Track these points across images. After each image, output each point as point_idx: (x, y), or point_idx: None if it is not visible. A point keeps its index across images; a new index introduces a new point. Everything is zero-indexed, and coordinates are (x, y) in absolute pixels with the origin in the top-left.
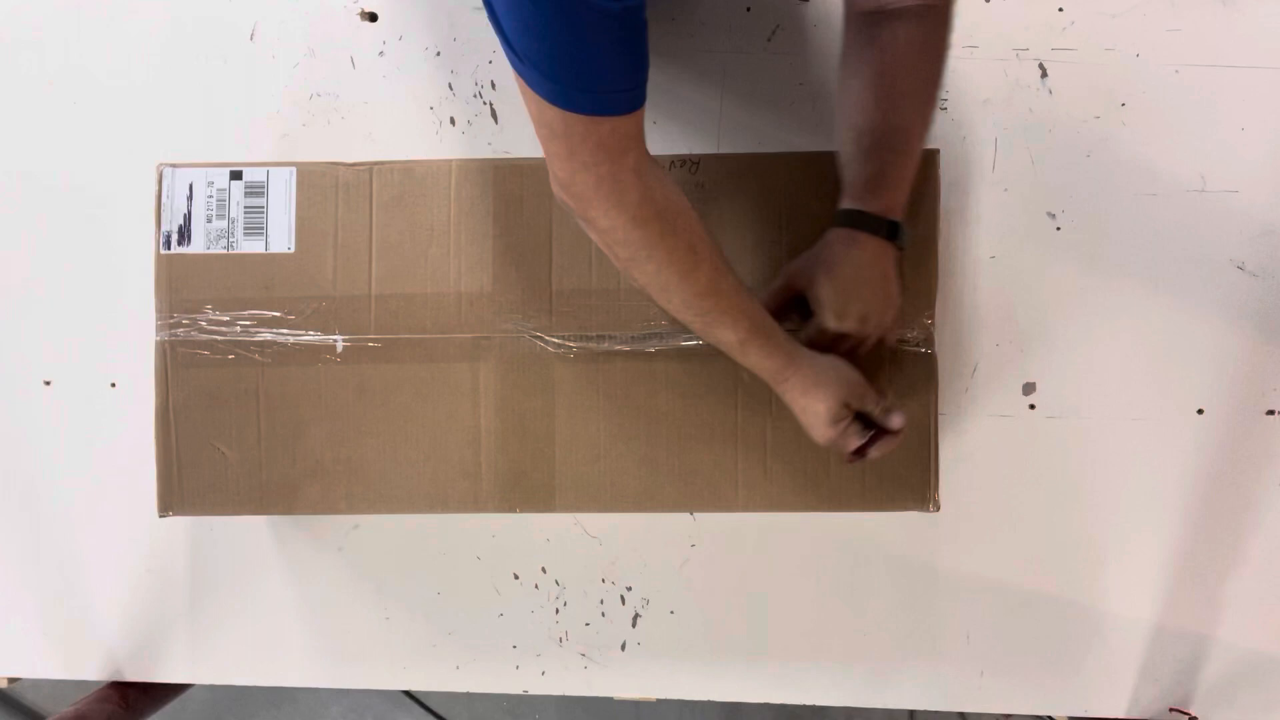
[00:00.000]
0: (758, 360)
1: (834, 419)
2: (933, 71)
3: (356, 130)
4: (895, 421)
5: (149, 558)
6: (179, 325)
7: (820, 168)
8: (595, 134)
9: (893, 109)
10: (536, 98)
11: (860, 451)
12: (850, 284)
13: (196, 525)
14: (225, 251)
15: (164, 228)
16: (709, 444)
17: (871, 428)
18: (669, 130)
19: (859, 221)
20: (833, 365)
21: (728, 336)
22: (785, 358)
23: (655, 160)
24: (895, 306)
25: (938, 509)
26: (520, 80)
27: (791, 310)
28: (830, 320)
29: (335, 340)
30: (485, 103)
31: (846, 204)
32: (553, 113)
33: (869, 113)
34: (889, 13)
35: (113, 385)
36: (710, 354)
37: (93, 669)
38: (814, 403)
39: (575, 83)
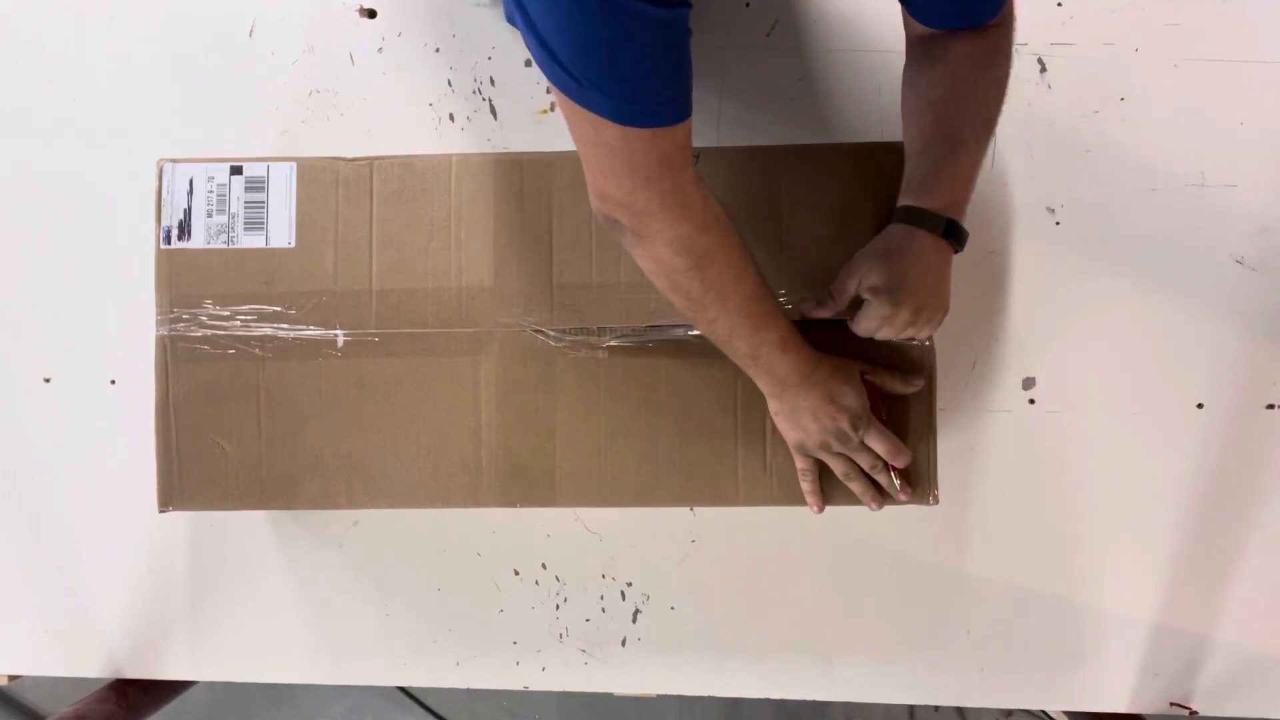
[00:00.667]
0: (795, 360)
1: (852, 426)
2: (991, 80)
3: (356, 126)
4: (900, 460)
5: (149, 555)
6: (179, 320)
7: (819, 161)
8: (657, 147)
9: (949, 113)
10: (594, 118)
11: (891, 470)
12: (905, 274)
13: (197, 522)
14: (226, 246)
15: (164, 223)
16: (709, 439)
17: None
18: None
19: (915, 217)
20: (849, 374)
21: (771, 336)
22: (812, 353)
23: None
24: (945, 306)
25: (937, 503)
26: (571, 104)
27: (855, 306)
28: (886, 307)
29: (336, 335)
30: (484, 99)
31: (904, 200)
32: (613, 131)
33: (925, 117)
34: (951, 32)
35: (113, 382)
36: (711, 349)
37: (93, 667)
38: (841, 388)
39: (634, 97)
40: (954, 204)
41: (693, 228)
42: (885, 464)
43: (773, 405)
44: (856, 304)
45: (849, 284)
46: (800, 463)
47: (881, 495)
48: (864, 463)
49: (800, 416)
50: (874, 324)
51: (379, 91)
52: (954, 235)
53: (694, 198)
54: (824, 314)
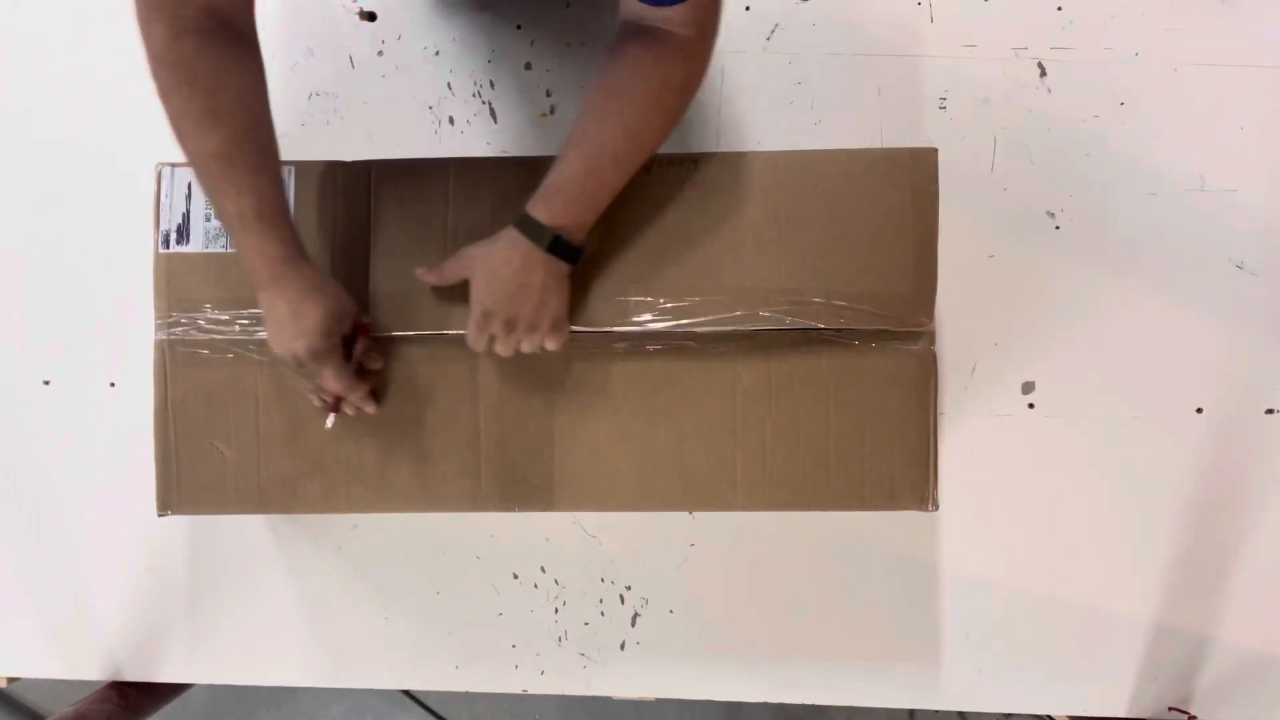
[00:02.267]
0: (257, 243)
1: (325, 332)
2: (651, 95)
3: (355, 130)
4: (374, 362)
5: (149, 558)
6: (178, 324)
7: (819, 168)
8: None
9: (596, 123)
10: None
11: (335, 405)
12: (495, 283)
13: (196, 525)
14: (224, 250)
15: (163, 227)
16: (708, 443)
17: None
18: None
19: (523, 225)
20: (334, 283)
21: (229, 208)
22: (286, 251)
23: (241, 40)
24: (550, 316)
25: (937, 508)
26: None
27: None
28: (475, 311)
29: None
30: (484, 102)
31: (529, 205)
32: None
33: (579, 120)
34: (639, 27)
35: (112, 385)
36: (710, 353)
37: (92, 669)
38: (309, 308)
39: None
40: (575, 224)
41: (151, 58)
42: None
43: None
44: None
45: (456, 271)
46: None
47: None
48: (306, 389)
49: (267, 323)
50: (472, 332)
51: (379, 95)
52: (562, 252)
53: (157, 37)
54: (431, 280)
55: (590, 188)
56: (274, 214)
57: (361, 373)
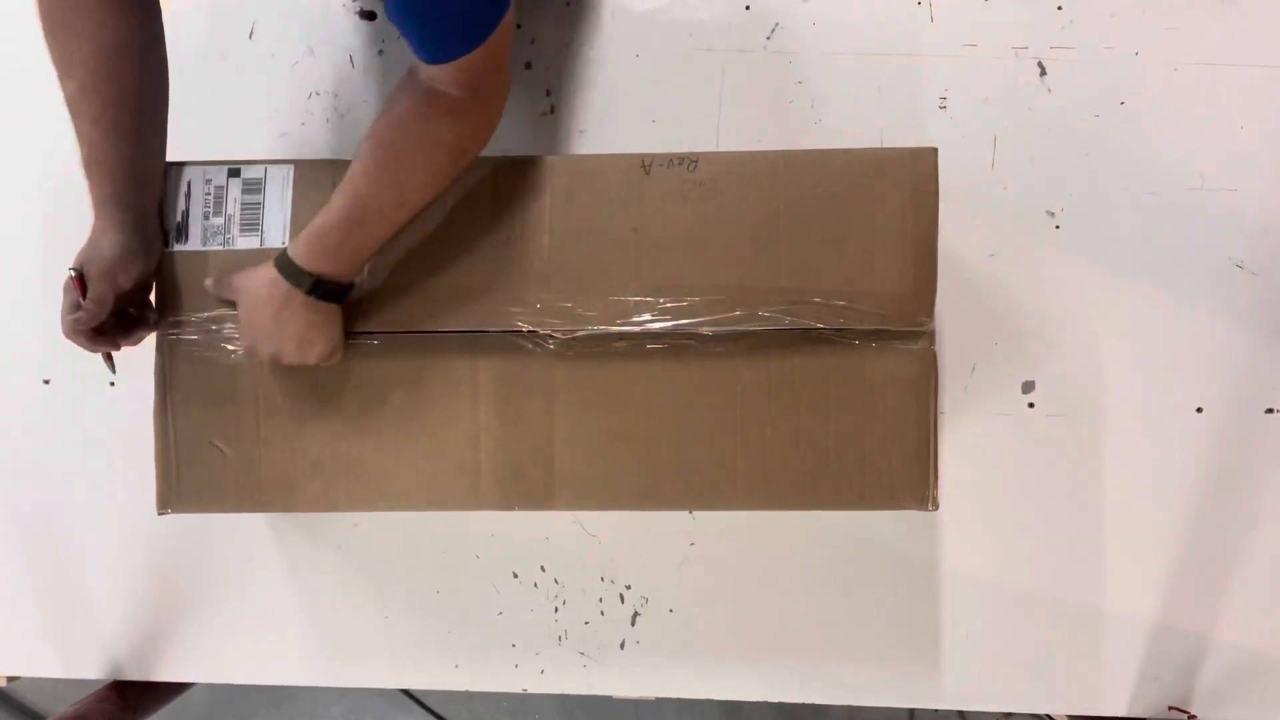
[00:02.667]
0: (90, 191)
1: (98, 275)
2: (417, 149)
3: (355, 129)
4: (149, 317)
5: (149, 557)
6: (178, 322)
7: (819, 167)
8: None
9: (359, 172)
10: None
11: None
12: (257, 320)
13: (196, 524)
14: (223, 249)
15: (164, 226)
16: (708, 442)
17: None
18: (668, 127)
19: (283, 266)
20: (136, 239)
21: (80, 151)
22: (98, 205)
23: (123, 7)
24: (317, 352)
25: (937, 508)
26: None
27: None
28: (243, 341)
29: None
30: None
31: (293, 243)
32: None
33: (353, 164)
34: (414, 78)
35: (112, 384)
36: (710, 353)
37: (93, 668)
38: (98, 243)
39: None
40: (338, 271)
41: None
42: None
43: None
44: None
45: (226, 294)
46: None
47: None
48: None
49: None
50: (246, 353)
51: (379, 94)
52: (325, 295)
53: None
54: (211, 291)
55: (354, 238)
56: (102, 164)
57: (125, 327)
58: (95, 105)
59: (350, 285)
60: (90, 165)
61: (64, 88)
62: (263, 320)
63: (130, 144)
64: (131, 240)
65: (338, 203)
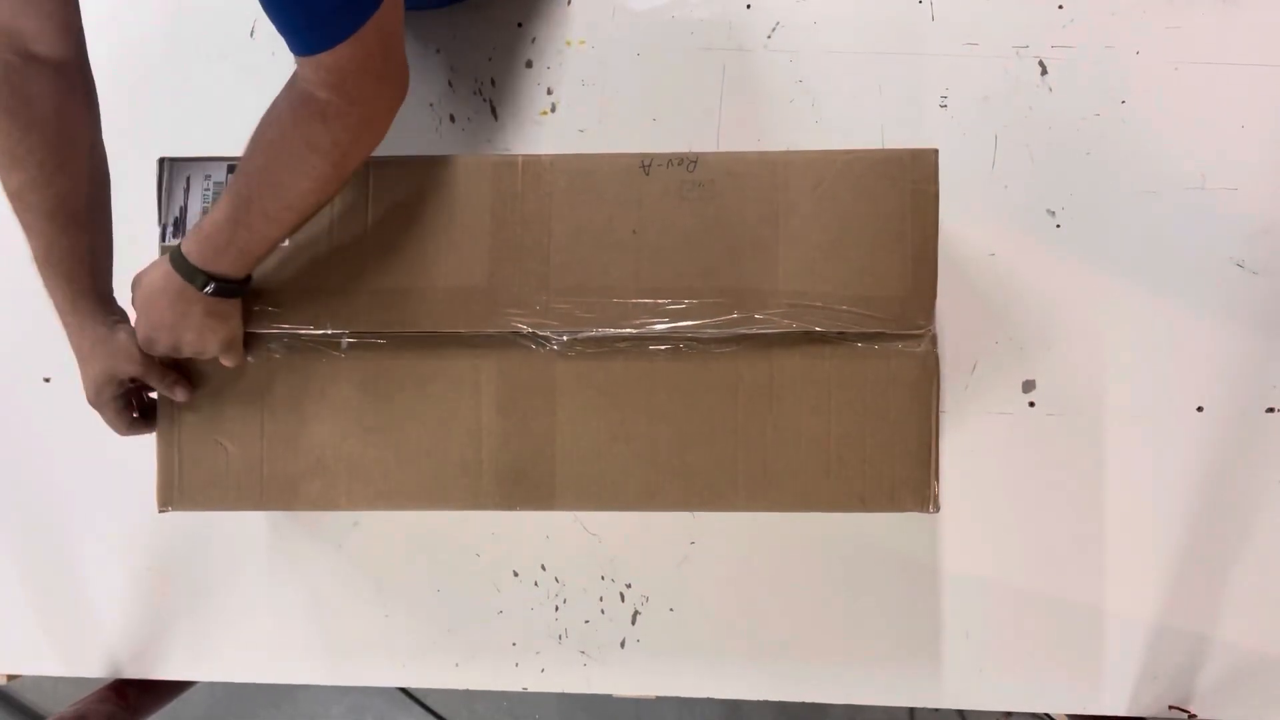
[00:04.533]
0: (47, 287)
1: (95, 391)
2: (284, 155)
3: None
4: (179, 394)
5: (149, 555)
6: None
7: (819, 167)
8: None
9: (241, 173)
10: None
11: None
12: (154, 313)
13: (197, 523)
14: None
15: (162, 220)
16: (709, 443)
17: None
18: (668, 127)
19: (176, 262)
20: (113, 336)
21: (31, 245)
22: (67, 304)
23: (55, 74)
24: (218, 342)
25: (937, 510)
26: None
27: None
28: (139, 333)
29: (338, 336)
30: (485, 100)
31: (187, 239)
32: None
33: (241, 162)
34: (292, 77)
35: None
36: (711, 354)
37: (93, 667)
38: (86, 366)
39: None
40: (229, 270)
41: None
42: None
43: None
44: None
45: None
46: None
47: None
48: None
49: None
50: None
51: None
52: (221, 291)
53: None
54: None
55: (241, 239)
56: (62, 261)
57: (148, 416)
58: (50, 198)
59: (246, 280)
60: (48, 264)
61: (7, 180)
62: (160, 312)
63: (89, 235)
64: (127, 324)
65: (224, 202)
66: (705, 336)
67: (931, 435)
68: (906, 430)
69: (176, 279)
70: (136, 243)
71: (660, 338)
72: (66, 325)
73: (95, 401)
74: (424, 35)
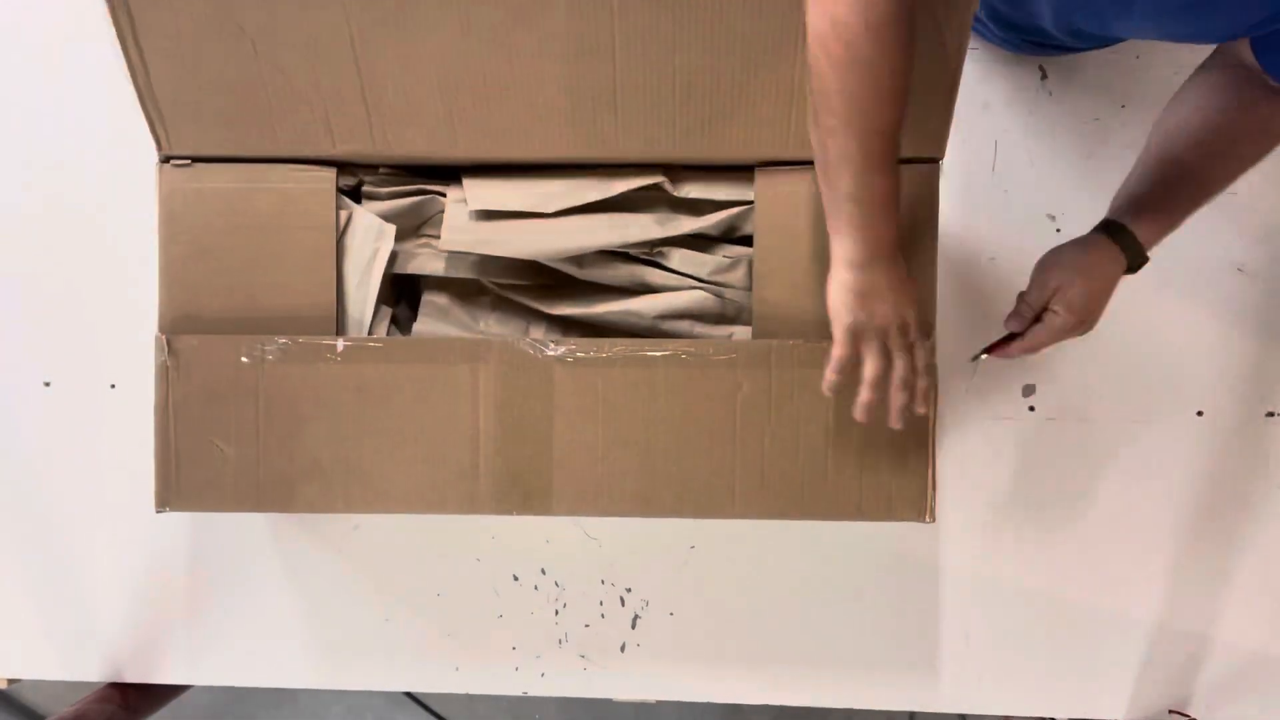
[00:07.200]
0: (892, 223)
1: (916, 322)
2: (1264, 148)
3: None
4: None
5: (149, 558)
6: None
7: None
8: None
9: (1211, 160)
10: None
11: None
12: (1097, 296)
13: (196, 526)
14: None
15: None
16: (707, 451)
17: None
18: None
19: (1124, 241)
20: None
21: (883, 185)
22: (897, 237)
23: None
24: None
25: (934, 520)
26: None
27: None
28: (1071, 326)
29: (335, 340)
30: None
31: (1121, 217)
32: None
33: (1188, 148)
34: (1267, 85)
35: (112, 386)
36: (710, 361)
37: (92, 669)
38: (914, 289)
39: None
40: (1155, 240)
41: (862, 17)
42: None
43: (846, 276)
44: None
45: (1044, 296)
46: (843, 349)
47: (874, 410)
48: (900, 370)
49: (874, 296)
50: (1051, 338)
51: None
52: (1135, 265)
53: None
54: (1014, 327)
55: (1179, 218)
56: (898, 198)
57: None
58: (898, 126)
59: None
60: (894, 200)
61: (884, 117)
62: (1106, 301)
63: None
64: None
65: (1177, 177)
66: (705, 343)
67: (929, 446)
68: (905, 440)
69: (1122, 266)
70: (127, 252)
71: (663, 344)
72: (895, 257)
73: (891, 333)
74: None
